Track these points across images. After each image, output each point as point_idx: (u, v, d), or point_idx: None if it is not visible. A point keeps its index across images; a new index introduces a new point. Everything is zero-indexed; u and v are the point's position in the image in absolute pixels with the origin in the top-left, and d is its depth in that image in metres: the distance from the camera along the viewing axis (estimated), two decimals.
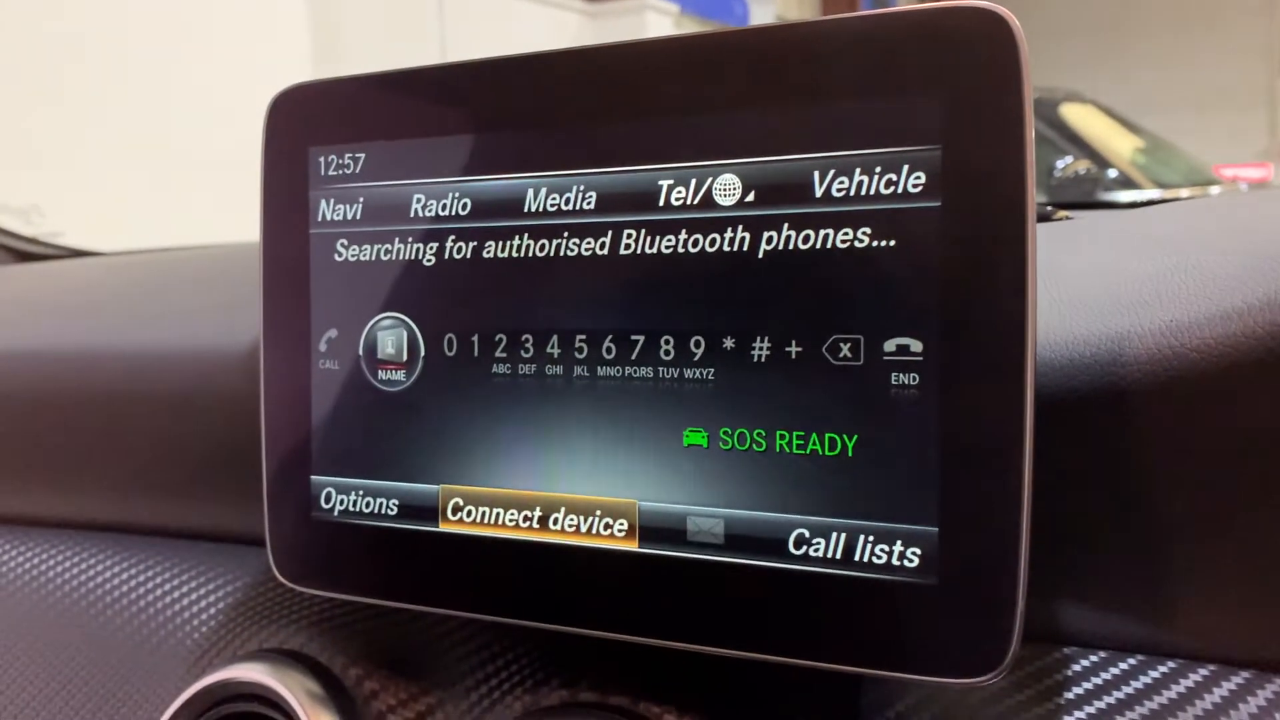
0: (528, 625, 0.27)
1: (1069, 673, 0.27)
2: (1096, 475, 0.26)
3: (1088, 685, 0.26)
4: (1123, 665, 0.26)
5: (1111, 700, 0.26)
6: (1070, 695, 0.26)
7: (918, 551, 0.23)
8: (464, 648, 0.31)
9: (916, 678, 0.23)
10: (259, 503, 0.33)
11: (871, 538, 0.23)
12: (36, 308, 0.50)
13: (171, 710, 0.33)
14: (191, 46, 1.86)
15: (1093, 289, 0.29)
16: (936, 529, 0.23)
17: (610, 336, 0.26)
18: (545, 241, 0.27)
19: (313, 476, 0.30)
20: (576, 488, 0.26)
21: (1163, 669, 0.26)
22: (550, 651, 0.30)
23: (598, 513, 0.26)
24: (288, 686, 0.31)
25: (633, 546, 0.26)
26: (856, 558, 0.23)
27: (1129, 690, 0.26)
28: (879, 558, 0.23)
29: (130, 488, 0.42)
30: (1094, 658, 0.27)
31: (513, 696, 0.30)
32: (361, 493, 0.29)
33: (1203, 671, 0.26)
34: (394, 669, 0.32)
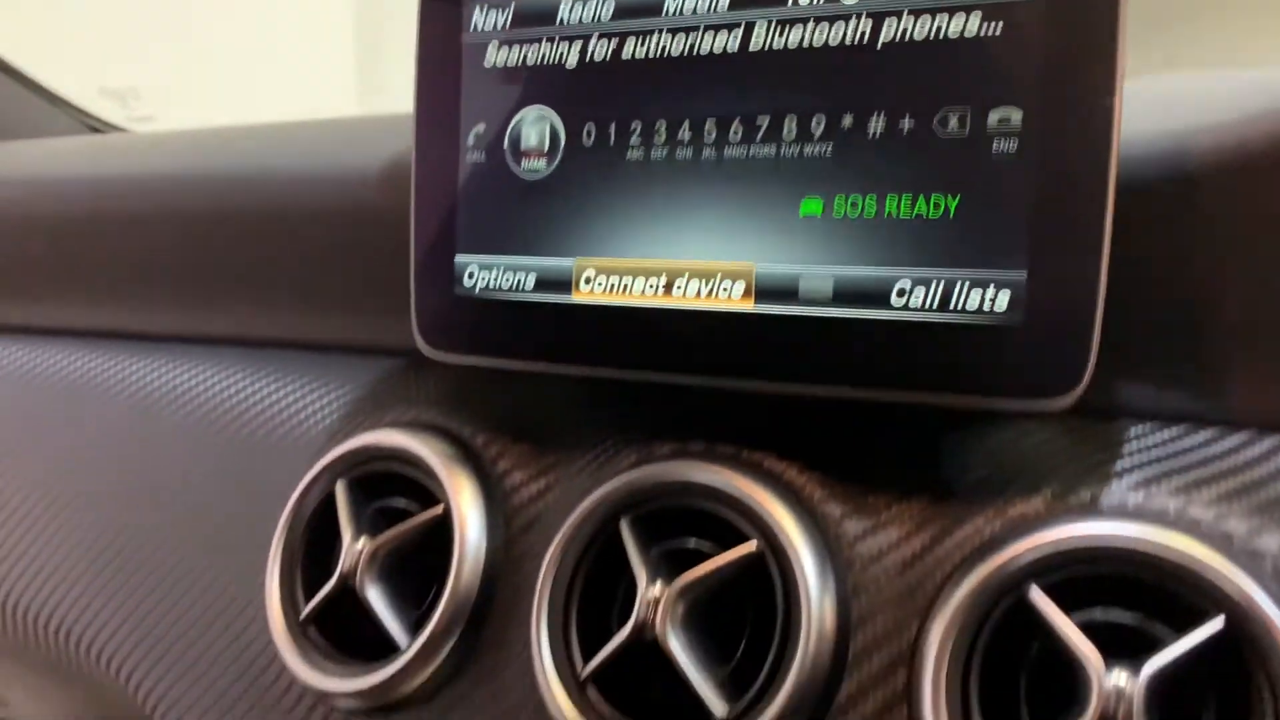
0: (653, 379, 0.31)
1: (1123, 437, 0.30)
2: (1158, 260, 0.30)
3: (1139, 445, 0.30)
4: (1169, 431, 0.30)
5: (1158, 454, 0.30)
6: (1124, 454, 0.30)
7: (1008, 294, 0.27)
8: (581, 415, 0.36)
9: (1006, 401, 0.27)
10: (387, 315, 0.37)
11: (967, 284, 0.27)
12: (160, 146, 0.53)
13: (318, 468, 0.37)
14: None
15: (1157, 96, 0.32)
16: (1025, 272, 0.26)
17: (738, 119, 0.29)
18: (682, 38, 0.30)
19: (457, 257, 0.34)
20: (699, 255, 0.30)
21: (1206, 433, 0.30)
22: (662, 414, 0.34)
23: (718, 276, 0.30)
24: (428, 447, 0.36)
25: (749, 306, 0.30)
26: (952, 305, 0.27)
27: (1173, 449, 0.30)
28: (972, 302, 0.27)
29: (259, 302, 0.46)
30: (1144, 426, 0.31)
31: (628, 451, 0.34)
32: (502, 269, 0.33)
33: (1240, 436, 0.30)
34: (516, 436, 0.36)
